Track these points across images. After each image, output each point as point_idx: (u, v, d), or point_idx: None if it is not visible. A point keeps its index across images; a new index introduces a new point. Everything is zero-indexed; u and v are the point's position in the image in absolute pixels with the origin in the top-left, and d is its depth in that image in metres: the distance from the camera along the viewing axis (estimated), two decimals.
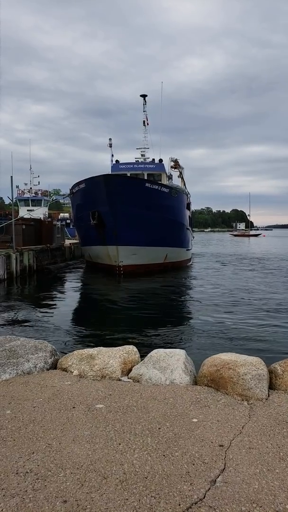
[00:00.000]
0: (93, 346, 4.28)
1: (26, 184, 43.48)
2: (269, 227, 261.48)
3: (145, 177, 24.82)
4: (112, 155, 29.22)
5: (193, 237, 34.14)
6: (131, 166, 26.61)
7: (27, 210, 34.35)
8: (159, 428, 2.64)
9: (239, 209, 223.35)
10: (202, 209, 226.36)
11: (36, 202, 39.59)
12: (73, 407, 2.96)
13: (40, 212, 34.89)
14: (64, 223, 36.38)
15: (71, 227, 37.47)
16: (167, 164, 28.42)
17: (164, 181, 25.62)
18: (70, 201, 28.65)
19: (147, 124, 30.96)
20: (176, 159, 29.77)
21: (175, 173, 30.34)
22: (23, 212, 34.09)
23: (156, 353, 3.77)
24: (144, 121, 30.90)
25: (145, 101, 30.73)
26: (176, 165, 29.76)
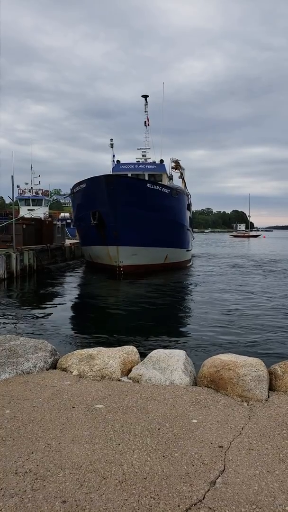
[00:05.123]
0: (93, 346, 4.28)
1: (26, 183, 43.52)
2: (270, 228, 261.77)
3: (146, 178, 24.82)
4: (114, 156, 29.25)
5: (193, 238, 34.15)
6: (132, 166, 26.61)
7: (28, 210, 34.35)
8: (159, 429, 2.63)
9: (239, 210, 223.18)
10: (202, 209, 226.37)
11: (36, 201, 39.61)
12: (73, 407, 2.96)
13: (40, 212, 34.89)
14: (64, 222, 36.38)
15: (71, 227, 37.47)
16: (168, 165, 28.45)
17: (165, 181, 25.62)
18: (70, 201, 28.66)
19: (148, 124, 30.99)
20: (177, 160, 29.78)
21: (176, 174, 30.38)
22: (24, 211, 34.09)
23: (156, 354, 3.77)
24: (145, 122, 30.93)
25: (147, 102, 30.77)
26: (177, 165, 29.77)
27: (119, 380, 3.54)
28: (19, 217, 23.32)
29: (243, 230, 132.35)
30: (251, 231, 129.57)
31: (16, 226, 19.93)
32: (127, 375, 3.63)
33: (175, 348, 5.08)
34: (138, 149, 31.15)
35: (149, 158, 30.27)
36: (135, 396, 3.17)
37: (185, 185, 31.19)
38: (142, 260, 19.60)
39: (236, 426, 2.70)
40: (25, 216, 27.20)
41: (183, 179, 31.24)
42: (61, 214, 54.58)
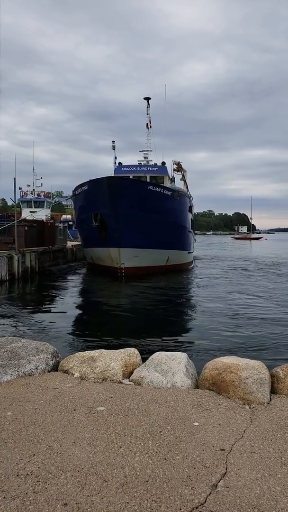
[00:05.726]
0: (94, 348, 4.28)
1: (28, 185, 43.65)
2: (271, 231, 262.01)
3: (148, 180, 24.86)
4: (115, 158, 29.30)
5: (195, 240, 34.15)
6: (134, 168, 26.65)
7: (30, 212, 34.42)
8: (160, 432, 2.63)
9: (241, 212, 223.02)
10: (204, 212, 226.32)
11: (38, 203, 39.73)
12: (74, 410, 2.96)
13: (42, 214, 35.01)
14: (66, 224, 36.44)
15: (73, 228, 37.53)
16: (169, 167, 28.47)
17: (167, 183, 25.64)
18: (72, 203, 28.71)
19: (150, 127, 31.03)
20: (179, 162, 29.79)
21: (177, 176, 30.40)
22: (26, 213, 34.18)
23: (158, 356, 3.77)
24: (147, 124, 30.98)
25: (149, 104, 30.83)
26: (178, 168, 29.78)
27: (121, 383, 3.54)
28: (21, 219, 23.38)
29: (245, 233, 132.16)
30: (253, 233, 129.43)
31: (18, 228, 19.97)
32: (129, 378, 3.63)
33: (177, 350, 5.07)
34: (140, 151, 31.21)
35: (151, 160, 30.31)
36: (136, 398, 3.17)
37: (186, 187, 31.19)
38: (143, 262, 19.60)
39: (238, 429, 2.69)
40: (27, 218, 27.26)
41: (184, 181, 31.25)
42: (63, 216, 54.68)
